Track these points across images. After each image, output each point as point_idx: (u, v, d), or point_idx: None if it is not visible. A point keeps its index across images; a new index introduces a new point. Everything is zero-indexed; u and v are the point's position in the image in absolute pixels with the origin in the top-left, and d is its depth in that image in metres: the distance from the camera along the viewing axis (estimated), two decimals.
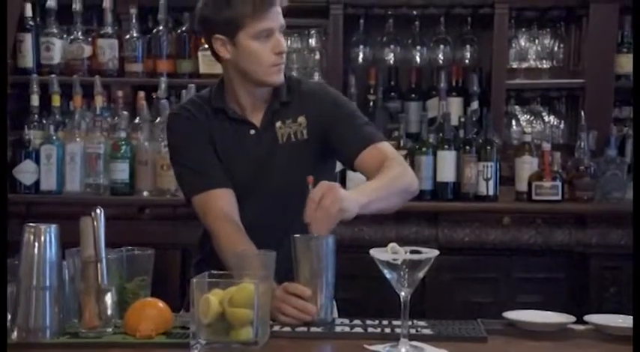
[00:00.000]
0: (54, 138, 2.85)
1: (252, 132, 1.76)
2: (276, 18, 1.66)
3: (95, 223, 1.35)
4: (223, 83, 1.78)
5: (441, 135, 2.83)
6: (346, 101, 1.84)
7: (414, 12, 3.08)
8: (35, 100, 2.92)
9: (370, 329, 1.43)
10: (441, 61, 3.10)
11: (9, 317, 1.34)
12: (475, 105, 2.96)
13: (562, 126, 3.15)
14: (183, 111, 1.80)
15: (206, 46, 2.91)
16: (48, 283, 1.32)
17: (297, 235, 1.48)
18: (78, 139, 2.84)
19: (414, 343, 1.30)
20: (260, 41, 1.66)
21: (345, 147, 1.72)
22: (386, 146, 1.73)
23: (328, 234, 1.47)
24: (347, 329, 1.44)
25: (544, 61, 3.11)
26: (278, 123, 1.75)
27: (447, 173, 2.78)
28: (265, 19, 1.65)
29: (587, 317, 1.46)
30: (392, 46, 3.13)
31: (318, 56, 3.13)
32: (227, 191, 1.71)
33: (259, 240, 1.62)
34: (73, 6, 3.01)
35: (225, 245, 1.63)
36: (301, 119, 1.75)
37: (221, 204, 1.69)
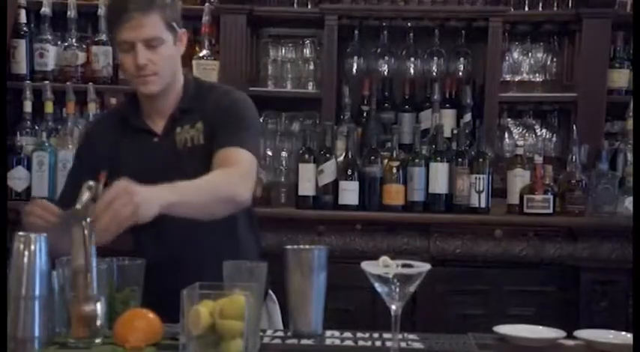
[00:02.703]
0: (46, 144, 2.84)
1: (155, 139, 1.78)
2: (138, 30, 1.65)
3: (86, 232, 1.34)
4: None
5: (433, 146, 2.84)
6: (242, 107, 1.78)
7: (409, 24, 3.09)
8: (28, 107, 2.92)
9: (361, 342, 1.43)
10: (434, 73, 3.11)
11: None
12: (468, 117, 2.97)
13: (554, 139, 3.16)
14: (91, 127, 1.96)
15: (200, 54, 2.99)
16: (37, 292, 1.31)
17: (289, 247, 1.49)
18: (70, 146, 2.83)
19: None
20: (124, 51, 1.69)
21: (215, 144, 1.70)
22: (241, 153, 1.67)
23: (322, 247, 1.47)
24: (337, 341, 1.43)
25: (537, 75, 3.13)
26: (177, 129, 1.77)
27: (439, 185, 2.78)
28: (124, 30, 1.66)
29: (577, 333, 1.47)
30: (386, 58, 3.14)
31: (312, 66, 3.14)
32: None
33: (167, 242, 1.65)
34: (68, 13, 3.02)
35: None
36: (199, 124, 1.76)
37: None
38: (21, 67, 3.01)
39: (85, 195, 1.35)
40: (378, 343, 1.42)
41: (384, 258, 1.29)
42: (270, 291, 1.83)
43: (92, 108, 2.91)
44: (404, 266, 1.28)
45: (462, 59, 3.11)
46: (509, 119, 3.17)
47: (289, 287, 1.48)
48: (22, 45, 3.01)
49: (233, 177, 1.60)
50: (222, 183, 1.58)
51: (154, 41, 1.67)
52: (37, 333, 1.31)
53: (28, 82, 2.95)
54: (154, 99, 1.76)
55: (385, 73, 3.14)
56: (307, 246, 1.50)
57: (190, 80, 1.83)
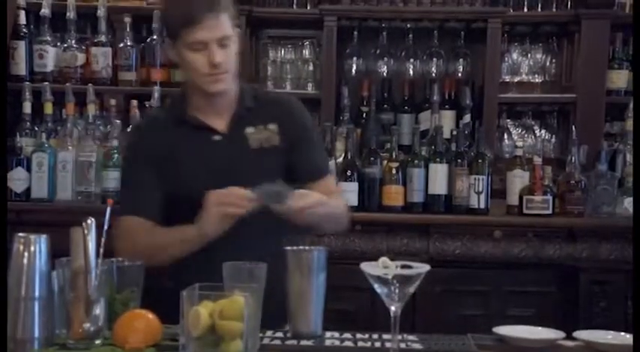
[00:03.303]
0: (46, 145, 2.84)
1: (217, 138, 1.76)
2: (212, 30, 1.66)
3: (86, 233, 1.34)
4: (186, 90, 1.80)
5: (433, 147, 2.84)
6: (309, 118, 1.89)
7: (408, 25, 3.10)
8: (28, 108, 2.92)
9: (360, 343, 1.43)
10: (433, 74, 3.12)
11: None
12: (467, 118, 2.98)
13: (553, 140, 3.16)
14: (143, 126, 1.92)
15: None
16: (37, 293, 1.31)
17: (288, 247, 1.49)
18: (70, 147, 2.84)
19: None
20: (194, 51, 1.68)
21: (301, 170, 1.78)
22: (332, 180, 1.94)
23: (321, 248, 1.48)
24: (337, 342, 1.44)
25: (536, 76, 3.14)
26: (250, 129, 1.76)
27: (438, 186, 2.79)
28: (197, 31, 1.65)
29: (576, 334, 1.47)
30: (385, 59, 3.14)
31: (311, 67, 3.15)
32: (146, 222, 1.73)
33: (221, 247, 1.62)
34: (67, 14, 3.02)
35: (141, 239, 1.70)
36: (273, 126, 1.77)
37: (133, 233, 1.72)
38: (20, 68, 3.02)
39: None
40: (377, 344, 1.42)
41: (384, 259, 1.29)
42: None
43: (91, 110, 2.91)
44: (403, 267, 1.29)
45: (461, 60, 3.12)
46: (508, 120, 3.17)
47: (289, 288, 1.48)
48: (21, 46, 3.01)
49: (346, 207, 1.86)
50: (341, 208, 1.82)
51: (226, 40, 1.69)
52: (36, 334, 1.31)
53: (28, 83, 2.94)
54: (215, 97, 1.75)
55: (384, 73, 3.15)
56: (307, 247, 1.50)
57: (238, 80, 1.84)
